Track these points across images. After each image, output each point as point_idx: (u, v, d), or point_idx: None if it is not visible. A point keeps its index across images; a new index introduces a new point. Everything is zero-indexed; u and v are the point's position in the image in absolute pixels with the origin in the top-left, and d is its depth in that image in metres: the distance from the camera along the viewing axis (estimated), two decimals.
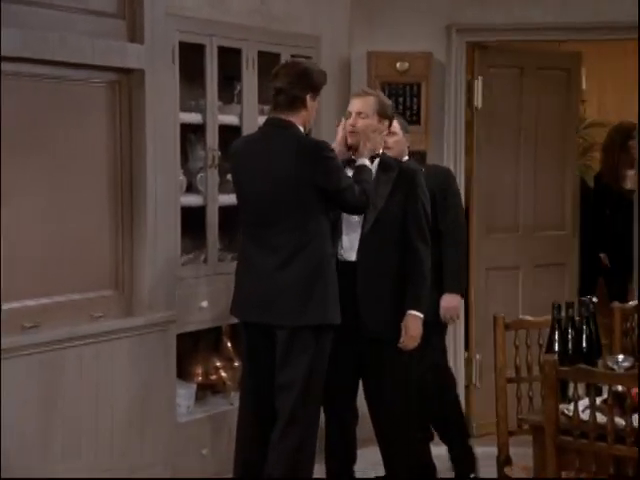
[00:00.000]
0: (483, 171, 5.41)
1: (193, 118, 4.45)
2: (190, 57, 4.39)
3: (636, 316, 3.89)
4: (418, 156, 4.80)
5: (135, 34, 4.11)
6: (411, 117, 5.15)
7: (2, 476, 3.55)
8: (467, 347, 5.44)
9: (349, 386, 4.13)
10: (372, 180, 3.92)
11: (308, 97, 3.79)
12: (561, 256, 5.62)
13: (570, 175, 5.66)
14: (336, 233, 3.96)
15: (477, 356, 5.38)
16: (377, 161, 4.05)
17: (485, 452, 4.53)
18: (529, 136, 5.45)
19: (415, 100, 5.16)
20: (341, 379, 4.04)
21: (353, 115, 4.04)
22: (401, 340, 3.97)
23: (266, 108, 4.71)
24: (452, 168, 5.26)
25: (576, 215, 5.67)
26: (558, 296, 4.21)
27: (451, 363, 5.25)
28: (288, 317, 3.75)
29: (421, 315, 3.99)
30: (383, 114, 4.06)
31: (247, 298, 3.88)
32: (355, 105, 4.07)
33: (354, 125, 4.00)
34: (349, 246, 3.98)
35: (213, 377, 4.64)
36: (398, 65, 5.13)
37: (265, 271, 3.79)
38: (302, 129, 3.81)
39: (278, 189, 3.74)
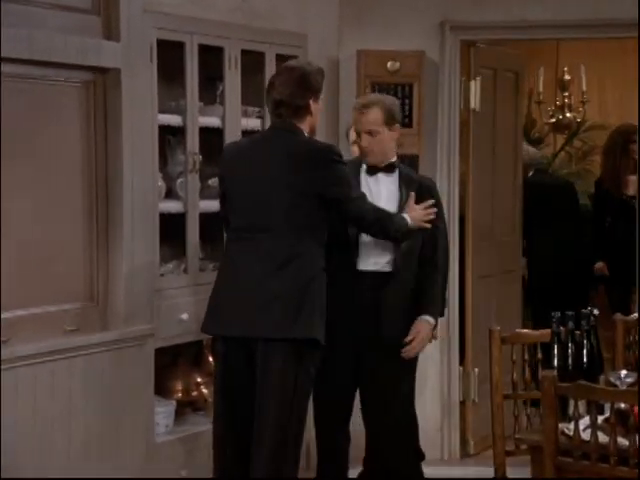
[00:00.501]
0: (477, 176, 5.23)
1: (172, 120, 4.31)
2: (169, 56, 4.26)
3: (638, 329, 3.74)
4: (408, 161, 4.61)
5: (111, 31, 3.98)
6: (403, 119, 4.97)
7: (2, 476, 3.48)
8: (462, 361, 5.27)
9: (347, 406, 4.05)
10: (397, 222, 3.83)
11: (311, 102, 3.68)
12: None
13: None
14: (353, 243, 3.90)
15: (475, 370, 5.20)
16: (397, 173, 4.04)
17: (481, 472, 4.40)
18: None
19: (407, 101, 5.03)
20: (339, 398, 3.98)
21: (363, 136, 3.98)
22: (411, 344, 3.93)
23: (250, 109, 4.59)
24: (446, 173, 5.12)
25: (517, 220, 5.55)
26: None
27: (445, 377, 5.10)
28: (276, 329, 3.54)
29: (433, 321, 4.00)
30: (391, 120, 3.99)
31: (229, 309, 3.66)
32: (362, 124, 3.98)
33: (367, 147, 3.98)
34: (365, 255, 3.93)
35: (194, 394, 4.52)
36: (389, 64, 5.00)
37: (253, 278, 3.58)
38: (307, 134, 3.72)
39: (275, 192, 3.59)
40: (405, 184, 4.01)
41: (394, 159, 4.08)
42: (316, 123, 3.77)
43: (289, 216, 3.58)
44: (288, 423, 3.56)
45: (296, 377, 3.55)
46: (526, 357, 3.65)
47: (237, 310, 3.62)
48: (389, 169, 4.04)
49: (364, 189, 3.95)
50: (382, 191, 4.02)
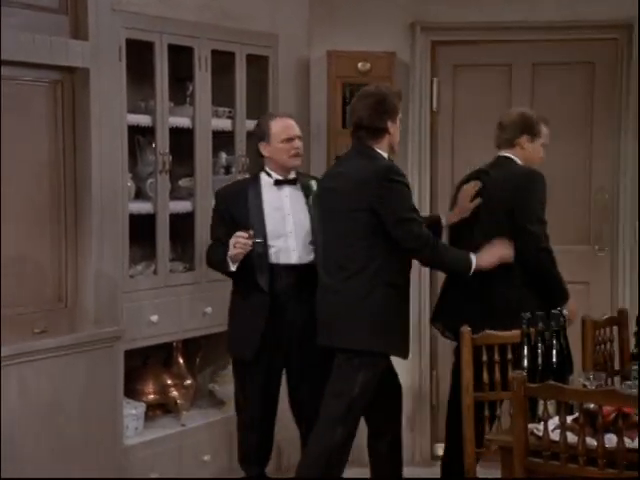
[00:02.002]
0: (447, 177, 5.22)
1: (142, 120, 4.29)
2: (139, 55, 4.24)
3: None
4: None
5: (79, 30, 3.95)
6: None
7: (2, 476, 3.48)
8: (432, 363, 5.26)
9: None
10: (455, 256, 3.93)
11: (389, 124, 3.89)
12: None
13: None
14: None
15: (433, 373, 5.21)
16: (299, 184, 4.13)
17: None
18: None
19: None
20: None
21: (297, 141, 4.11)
22: None
23: (220, 110, 4.56)
24: (417, 172, 5.09)
25: None
26: None
27: (417, 381, 5.09)
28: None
29: None
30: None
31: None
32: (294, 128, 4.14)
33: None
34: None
35: (164, 396, 4.48)
36: (360, 65, 4.97)
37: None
38: (386, 153, 3.93)
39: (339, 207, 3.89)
40: (306, 192, 4.11)
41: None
42: (395, 141, 3.96)
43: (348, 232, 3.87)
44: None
45: None
46: (496, 358, 3.64)
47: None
48: (294, 181, 4.12)
49: (271, 203, 4.05)
50: (291, 203, 4.09)
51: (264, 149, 4.07)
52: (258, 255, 3.97)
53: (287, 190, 4.09)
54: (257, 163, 4.22)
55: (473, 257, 3.92)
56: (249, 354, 4.01)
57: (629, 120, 4.96)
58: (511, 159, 4.19)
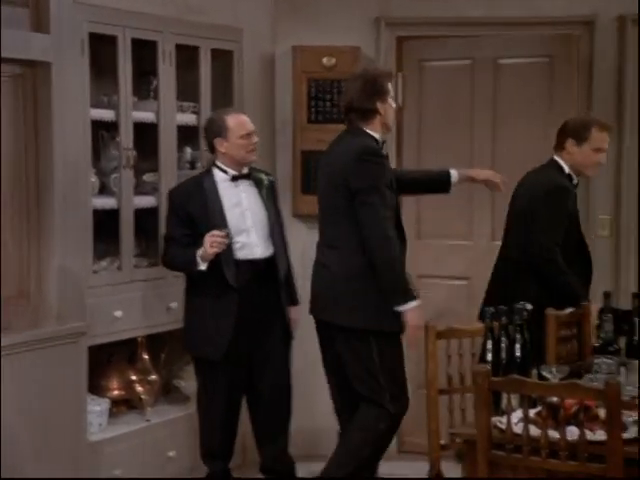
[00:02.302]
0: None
1: (105, 115, 4.26)
2: (102, 49, 4.21)
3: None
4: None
5: (40, 24, 3.90)
6: (338, 115, 4.94)
7: (2, 476, 3.48)
8: None
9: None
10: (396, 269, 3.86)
11: (378, 104, 3.92)
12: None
13: None
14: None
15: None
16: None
17: (415, 468, 4.40)
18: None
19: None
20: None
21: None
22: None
23: (185, 105, 4.54)
24: None
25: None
26: None
27: None
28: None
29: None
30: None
31: None
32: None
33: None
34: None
35: (128, 392, 4.45)
36: (325, 60, 4.97)
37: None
38: (378, 133, 3.96)
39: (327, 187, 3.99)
40: (258, 186, 4.13)
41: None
42: (388, 120, 3.99)
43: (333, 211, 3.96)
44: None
45: None
46: (461, 352, 3.66)
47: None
48: (248, 176, 4.12)
49: (229, 199, 4.05)
50: (247, 198, 4.10)
51: (220, 145, 4.04)
52: (224, 251, 3.96)
53: (242, 185, 4.09)
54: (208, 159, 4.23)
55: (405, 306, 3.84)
56: (218, 353, 4.00)
57: (595, 115, 5.00)
58: (557, 163, 4.29)
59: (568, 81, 5.01)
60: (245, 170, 4.10)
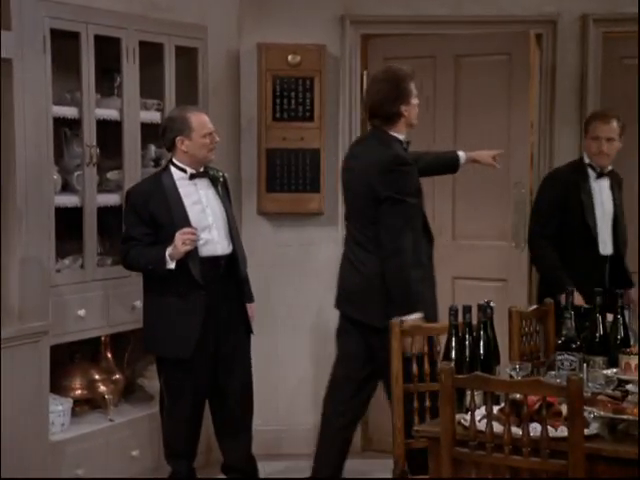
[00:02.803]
0: None
1: (68, 112, 4.23)
2: (64, 46, 4.17)
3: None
4: (310, 155, 4.59)
5: (0, 20, 3.84)
6: (304, 113, 4.98)
7: (2, 476, 3.43)
8: None
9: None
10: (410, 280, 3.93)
11: (403, 108, 3.98)
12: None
13: None
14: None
15: None
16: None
17: (380, 465, 4.42)
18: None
19: (308, 95, 4.99)
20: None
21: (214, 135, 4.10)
22: None
23: (149, 102, 4.52)
24: None
25: None
26: None
27: None
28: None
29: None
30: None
31: None
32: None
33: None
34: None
35: (91, 391, 4.42)
36: (290, 58, 4.96)
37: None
38: (402, 135, 4.03)
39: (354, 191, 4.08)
40: (214, 183, 4.13)
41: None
42: (412, 118, 4.03)
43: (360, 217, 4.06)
44: None
45: None
46: (425, 349, 3.66)
47: None
48: (205, 174, 4.12)
49: (189, 197, 4.04)
50: (206, 196, 4.10)
51: (181, 143, 4.01)
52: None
53: (200, 183, 4.09)
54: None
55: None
56: (187, 351, 3.98)
57: (547, 114, 5.04)
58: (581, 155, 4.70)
59: (527, 78, 5.04)
60: (202, 168, 4.10)
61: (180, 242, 3.88)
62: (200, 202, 4.07)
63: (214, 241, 4.06)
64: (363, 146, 4.13)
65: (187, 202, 4.03)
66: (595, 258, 4.52)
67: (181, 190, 4.04)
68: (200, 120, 4.03)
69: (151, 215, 3.99)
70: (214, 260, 4.05)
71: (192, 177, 4.06)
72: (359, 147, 4.17)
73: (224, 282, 4.09)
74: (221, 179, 4.15)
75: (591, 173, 4.58)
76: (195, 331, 3.98)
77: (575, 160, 4.68)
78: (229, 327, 4.12)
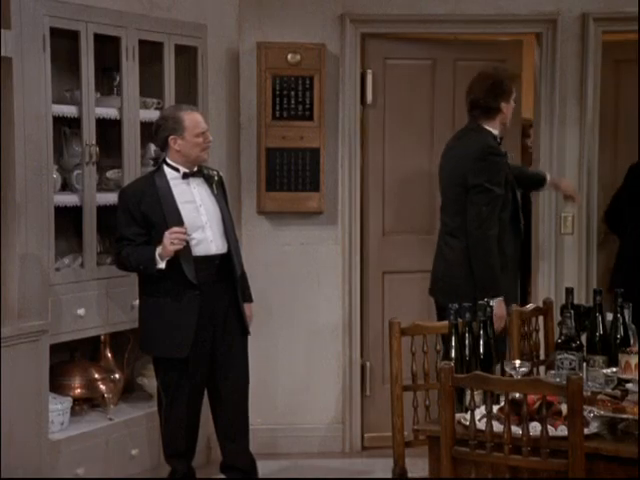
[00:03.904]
0: (377, 170, 5.22)
1: (67, 110, 4.22)
2: (64, 45, 4.18)
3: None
4: (310, 154, 4.59)
5: (1, 18, 3.84)
6: (304, 112, 4.97)
7: (2, 475, 3.42)
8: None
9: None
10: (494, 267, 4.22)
11: (503, 104, 4.28)
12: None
13: None
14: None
15: (367, 363, 5.21)
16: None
17: (379, 464, 4.41)
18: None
19: (308, 94, 4.97)
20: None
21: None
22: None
23: (148, 101, 4.51)
24: (347, 166, 5.09)
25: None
26: None
27: (347, 371, 5.10)
28: None
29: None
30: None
31: None
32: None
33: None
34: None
35: (91, 390, 4.41)
36: (289, 57, 4.95)
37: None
38: (496, 130, 4.30)
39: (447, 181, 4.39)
40: (209, 182, 4.11)
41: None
42: (507, 118, 4.34)
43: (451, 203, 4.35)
44: None
45: None
46: (425, 349, 3.66)
47: None
48: (199, 172, 4.09)
49: (183, 196, 4.02)
50: (200, 195, 4.08)
51: (174, 143, 3.99)
52: (183, 248, 3.92)
53: (194, 183, 4.06)
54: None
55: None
56: (184, 351, 3.97)
57: (547, 114, 5.04)
58: None
59: (520, 82, 5.05)
60: (195, 167, 4.07)
61: (168, 242, 3.86)
62: (194, 201, 4.04)
63: (208, 240, 4.03)
64: (459, 138, 4.40)
65: (180, 201, 4.00)
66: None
67: (174, 189, 4.01)
68: (193, 119, 4.00)
69: (143, 215, 3.97)
70: (208, 259, 4.02)
71: (185, 176, 4.04)
72: (455, 140, 4.43)
73: (219, 282, 4.06)
74: (216, 178, 4.13)
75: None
76: (190, 331, 3.97)
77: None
78: (224, 327, 4.10)
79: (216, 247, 4.05)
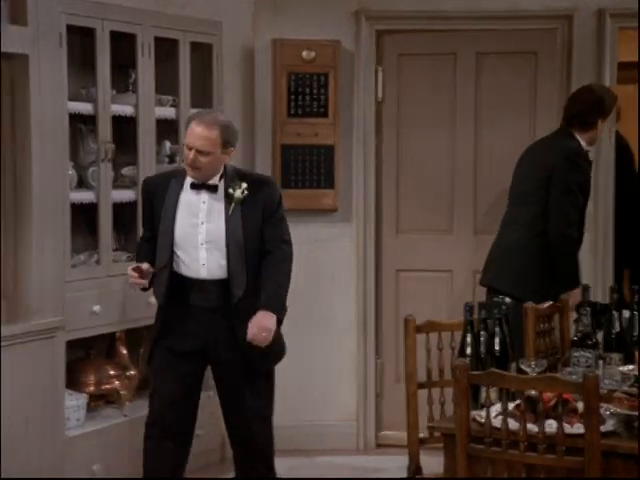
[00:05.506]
0: (392, 168, 5.21)
1: (83, 108, 4.22)
2: (80, 42, 4.20)
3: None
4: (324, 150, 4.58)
5: (17, 16, 3.86)
6: (318, 109, 4.97)
7: (2, 476, 3.42)
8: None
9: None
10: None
11: (599, 121, 4.45)
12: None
13: None
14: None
15: (378, 361, 5.20)
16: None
17: (394, 461, 4.41)
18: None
19: (322, 91, 4.97)
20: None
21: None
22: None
23: (164, 98, 4.52)
24: (362, 163, 5.08)
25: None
26: None
27: (361, 369, 5.09)
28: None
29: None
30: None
31: None
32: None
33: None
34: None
35: (106, 387, 4.42)
36: (304, 54, 4.95)
37: None
38: (584, 142, 4.43)
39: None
40: (228, 200, 3.64)
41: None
42: (596, 136, 4.50)
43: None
44: None
45: None
46: (441, 346, 3.65)
47: None
48: (215, 188, 3.65)
49: (188, 206, 3.66)
50: (207, 211, 3.66)
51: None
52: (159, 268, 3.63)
53: (207, 196, 3.65)
54: None
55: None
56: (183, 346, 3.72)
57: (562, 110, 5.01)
58: None
59: (550, 75, 5.03)
60: (212, 181, 3.64)
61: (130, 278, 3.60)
62: (196, 217, 3.64)
63: (199, 263, 3.62)
64: (548, 138, 4.52)
65: (182, 213, 3.64)
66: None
67: (182, 197, 3.66)
68: (191, 131, 3.58)
69: (152, 210, 3.72)
70: (200, 283, 3.63)
71: (193, 187, 3.66)
72: (543, 139, 4.56)
73: (217, 308, 3.65)
74: (237, 195, 3.62)
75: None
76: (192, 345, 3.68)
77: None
78: (221, 361, 3.70)
79: (207, 272, 3.62)
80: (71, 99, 4.13)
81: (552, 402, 2.86)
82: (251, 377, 3.70)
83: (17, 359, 3.82)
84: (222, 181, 3.66)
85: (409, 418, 3.51)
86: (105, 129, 4.24)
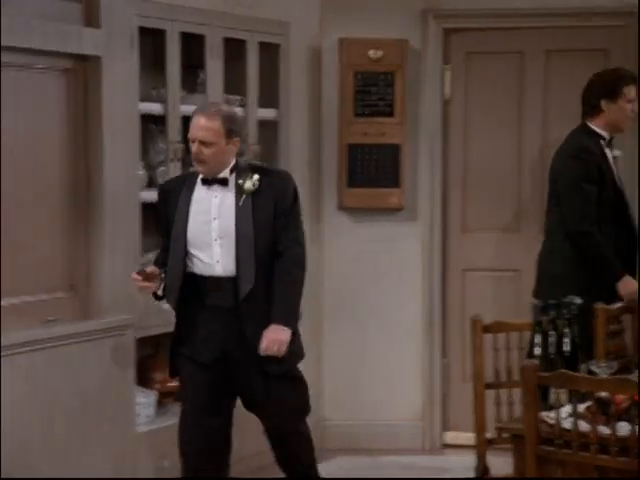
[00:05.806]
0: (458, 166, 5.19)
1: (154, 108, 4.28)
2: (151, 43, 4.25)
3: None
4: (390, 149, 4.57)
5: (91, 18, 3.94)
6: (385, 108, 4.97)
7: (2, 476, 3.47)
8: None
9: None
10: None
11: (603, 102, 4.24)
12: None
13: None
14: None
15: (444, 361, 5.19)
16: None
17: (460, 461, 4.39)
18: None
19: (389, 90, 4.97)
20: None
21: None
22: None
23: (231, 98, 4.56)
24: (428, 162, 5.07)
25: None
26: None
27: (427, 369, 5.08)
28: None
29: None
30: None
31: None
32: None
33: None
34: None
35: (174, 384, 4.38)
36: (371, 53, 4.95)
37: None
38: (604, 131, 4.29)
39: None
40: (239, 192, 3.56)
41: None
42: (614, 119, 4.27)
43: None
44: None
45: None
46: (509, 346, 3.63)
47: None
48: (225, 181, 3.58)
49: (200, 204, 3.58)
50: (219, 206, 3.57)
51: None
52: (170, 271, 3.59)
53: (218, 190, 3.57)
54: None
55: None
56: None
57: None
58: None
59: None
60: (222, 174, 3.57)
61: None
62: (209, 213, 3.56)
63: (214, 260, 3.54)
64: (566, 138, 4.41)
65: (195, 210, 3.56)
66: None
67: (195, 195, 3.58)
68: (193, 123, 3.53)
69: (166, 217, 3.64)
70: (215, 281, 3.55)
71: (205, 182, 3.58)
72: (564, 140, 4.45)
73: (231, 309, 3.56)
74: (246, 187, 3.54)
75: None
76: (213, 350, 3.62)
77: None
78: (244, 368, 3.61)
79: (223, 269, 3.54)
80: (142, 100, 4.18)
81: (624, 404, 2.83)
82: (271, 379, 3.61)
83: (88, 356, 3.88)
84: (233, 175, 3.59)
85: (477, 418, 3.50)
86: (174, 129, 4.29)
